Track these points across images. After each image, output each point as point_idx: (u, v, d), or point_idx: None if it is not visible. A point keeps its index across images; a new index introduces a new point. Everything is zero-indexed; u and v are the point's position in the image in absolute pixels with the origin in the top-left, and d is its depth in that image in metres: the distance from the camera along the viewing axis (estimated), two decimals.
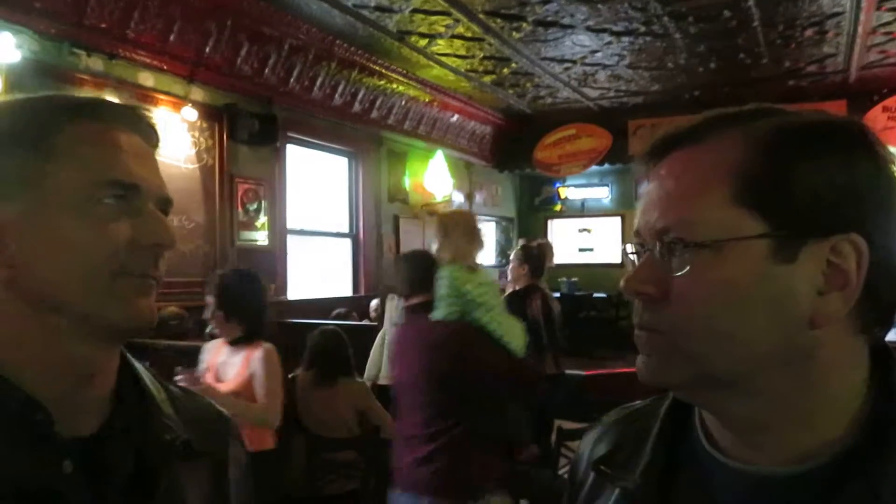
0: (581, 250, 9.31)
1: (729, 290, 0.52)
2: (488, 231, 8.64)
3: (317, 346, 3.36)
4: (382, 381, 4.09)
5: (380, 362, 4.20)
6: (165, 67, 4.23)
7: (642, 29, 4.96)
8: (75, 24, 3.66)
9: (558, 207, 9.49)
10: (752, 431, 0.55)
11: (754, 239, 0.52)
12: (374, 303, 4.87)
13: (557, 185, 9.30)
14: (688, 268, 0.53)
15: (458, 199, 7.68)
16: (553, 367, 4.05)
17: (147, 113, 0.71)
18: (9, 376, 0.62)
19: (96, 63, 3.84)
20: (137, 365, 0.74)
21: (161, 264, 0.68)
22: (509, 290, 4.40)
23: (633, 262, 0.61)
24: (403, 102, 6.39)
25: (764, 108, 0.57)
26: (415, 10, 4.57)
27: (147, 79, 4.15)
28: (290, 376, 3.23)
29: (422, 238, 6.99)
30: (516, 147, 8.18)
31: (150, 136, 0.70)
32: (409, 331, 2.47)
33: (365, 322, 4.94)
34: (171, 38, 4.15)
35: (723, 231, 0.52)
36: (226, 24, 4.37)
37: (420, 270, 2.47)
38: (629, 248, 0.61)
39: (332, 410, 3.25)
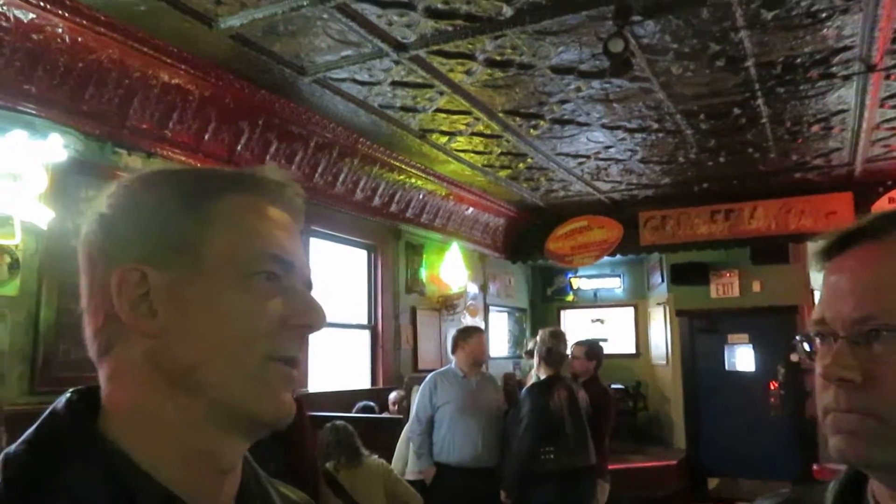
0: None
1: None
2: (501, 322, 8.64)
3: (332, 441, 3.38)
4: (409, 475, 4.02)
5: (406, 456, 4.14)
6: (199, 165, 4.39)
7: (655, 126, 5.15)
8: (118, 125, 3.83)
9: (571, 298, 9.53)
10: None
11: None
12: (394, 395, 4.83)
13: (569, 275, 9.37)
14: None
15: (473, 290, 7.73)
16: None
17: (301, 192, 0.69)
18: (145, 465, 0.57)
19: (136, 161, 3.99)
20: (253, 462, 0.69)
21: (305, 348, 0.65)
22: (532, 379, 4.39)
23: (806, 350, 0.64)
24: (421, 196, 6.55)
25: None
26: (438, 110, 4.78)
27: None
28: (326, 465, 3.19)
29: (439, 329, 7.00)
30: (529, 239, 8.31)
31: (299, 216, 0.68)
32: None
33: (386, 415, 4.89)
34: (206, 137, 4.33)
35: None
36: (257, 123, 4.57)
37: None
38: (805, 336, 0.64)
39: (361, 492, 3.20)
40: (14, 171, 3.17)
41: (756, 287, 7.90)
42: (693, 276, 8.04)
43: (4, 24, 3.17)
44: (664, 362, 8.60)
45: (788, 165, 6.24)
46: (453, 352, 4.26)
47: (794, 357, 7.58)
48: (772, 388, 7.73)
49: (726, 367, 8.16)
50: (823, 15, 3.49)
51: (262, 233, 0.62)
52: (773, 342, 7.82)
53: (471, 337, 4.28)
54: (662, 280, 8.54)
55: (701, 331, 8.28)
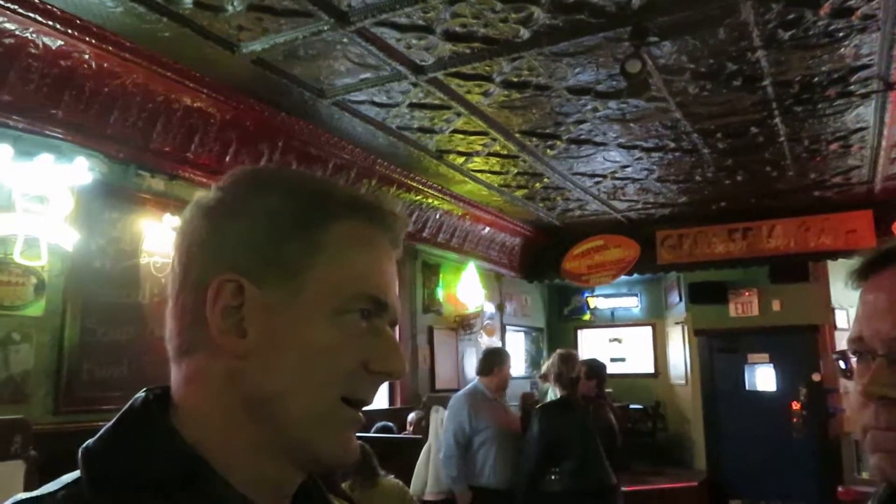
0: (613, 360, 9.21)
1: None
2: (518, 341, 8.62)
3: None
4: (428, 496, 4.00)
5: (425, 476, 4.12)
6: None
7: (672, 145, 5.16)
8: (142, 148, 3.89)
9: (588, 317, 9.48)
10: None
11: None
12: (413, 416, 4.82)
13: (586, 294, 9.34)
14: None
15: (490, 309, 7.73)
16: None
17: (407, 223, 0.67)
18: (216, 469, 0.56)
19: (158, 184, 4.05)
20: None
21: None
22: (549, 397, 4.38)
23: (842, 368, 0.64)
24: (438, 216, 6.58)
25: None
26: (455, 131, 4.82)
27: (204, 194, 4.35)
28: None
29: (455, 349, 6.99)
30: (545, 258, 8.30)
31: (399, 242, 0.67)
32: None
33: (405, 435, 4.87)
34: (227, 159, 4.38)
35: None
36: (277, 145, 4.62)
37: None
38: (841, 354, 0.65)
39: None
40: (41, 194, 3.23)
41: (776, 306, 7.82)
42: (711, 295, 7.98)
43: (33, 50, 3.25)
44: (683, 382, 8.52)
45: (807, 184, 6.21)
46: (486, 374, 4.22)
47: (816, 377, 7.49)
48: (794, 408, 7.62)
49: (746, 387, 8.06)
50: (841, 34, 3.50)
51: (366, 270, 0.60)
52: (795, 362, 7.73)
53: (506, 361, 4.29)
54: (680, 299, 8.48)
55: (720, 350, 8.20)
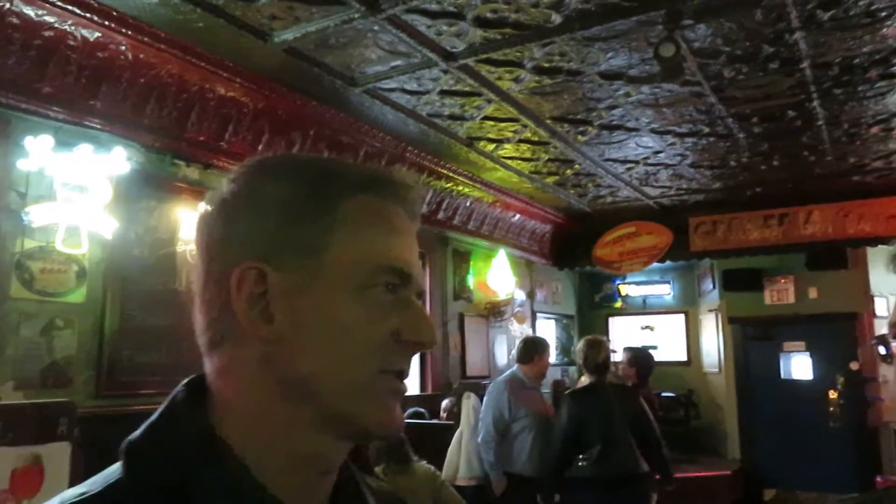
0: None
1: None
2: (548, 329, 8.59)
3: (381, 445, 3.39)
4: (460, 481, 4.03)
5: (457, 462, 4.15)
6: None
7: (706, 130, 5.08)
8: (177, 137, 3.96)
9: (619, 305, 9.41)
10: None
11: None
12: (447, 402, 4.85)
13: (617, 282, 9.26)
14: None
15: (520, 296, 7.72)
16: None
17: (423, 194, 0.67)
18: (249, 464, 0.57)
19: (193, 172, 4.11)
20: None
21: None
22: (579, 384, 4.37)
23: (882, 353, 0.64)
24: (468, 203, 6.58)
25: None
26: (485, 118, 4.80)
27: (220, 187, 4.40)
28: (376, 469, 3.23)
29: (486, 336, 7.00)
30: (576, 245, 8.25)
31: (415, 213, 0.66)
32: None
33: (436, 421, 4.91)
34: (260, 147, 4.43)
35: None
36: (309, 134, 4.66)
37: None
38: (880, 339, 0.64)
39: (408, 498, 3.23)
40: (81, 184, 3.31)
41: (812, 293, 7.68)
42: (746, 282, 7.86)
43: (72, 42, 3.31)
44: (716, 370, 8.42)
45: (846, 168, 6.06)
46: (526, 361, 4.24)
47: (854, 366, 7.35)
48: (831, 397, 7.49)
49: (781, 376, 7.95)
50: (883, 14, 3.40)
51: (385, 242, 0.60)
52: (832, 350, 7.59)
53: (546, 350, 4.31)
54: (714, 286, 8.37)
55: (755, 338, 8.09)
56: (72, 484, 2.28)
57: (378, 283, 0.59)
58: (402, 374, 0.62)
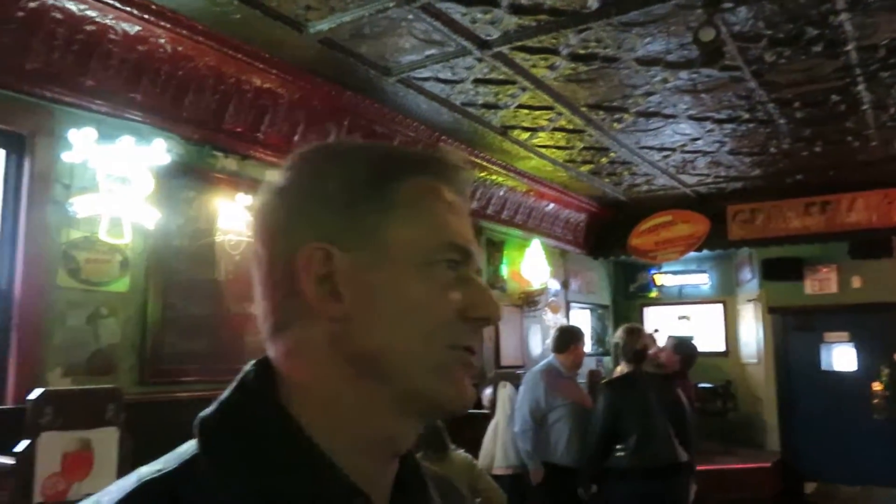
0: None
1: None
2: (583, 319, 8.54)
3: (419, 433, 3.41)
4: (497, 470, 4.04)
5: (493, 451, 4.16)
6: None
7: (746, 116, 4.97)
8: (215, 128, 4.01)
9: (654, 294, 9.30)
10: None
11: None
12: (488, 392, 4.83)
13: (653, 271, 9.15)
14: None
15: (554, 286, 7.68)
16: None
17: (473, 175, 0.68)
18: (323, 447, 0.57)
19: (231, 164, 4.17)
20: None
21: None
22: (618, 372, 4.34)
23: None
24: (502, 193, 6.55)
25: None
26: (520, 106, 4.77)
27: (273, 176, 4.45)
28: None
29: (520, 325, 6.99)
30: (610, 234, 8.18)
31: (468, 194, 0.67)
32: None
33: (472, 410, 4.92)
34: (296, 138, 4.47)
35: None
36: (343, 123, 4.68)
37: None
38: None
39: None
40: (123, 175, 3.37)
41: (856, 283, 7.49)
42: (786, 271, 7.70)
43: (113, 36, 3.38)
44: (755, 361, 8.29)
45: (892, 154, 5.89)
46: (561, 351, 4.23)
47: None
48: (874, 388, 7.31)
49: (823, 367, 7.78)
50: None
51: (445, 220, 0.62)
52: (876, 341, 7.39)
53: (581, 339, 4.30)
54: (753, 276, 8.23)
55: (795, 329, 7.93)
56: (120, 468, 2.35)
57: (440, 261, 0.60)
58: (471, 349, 0.62)
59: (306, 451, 0.57)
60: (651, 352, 4.19)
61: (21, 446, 2.23)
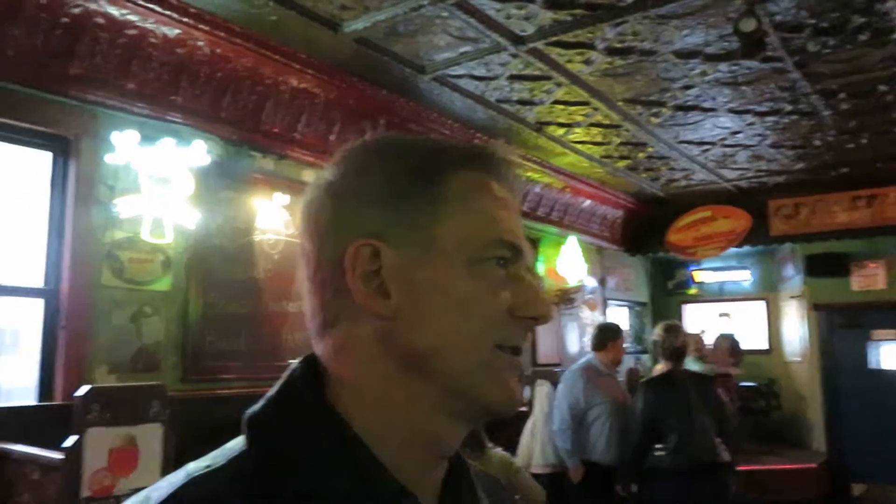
0: None
1: None
2: (620, 316, 8.45)
3: None
4: (535, 469, 4.02)
5: (531, 450, 4.14)
6: (325, 165, 4.57)
7: (788, 108, 4.85)
8: (253, 129, 4.06)
9: (693, 291, 9.15)
10: None
11: None
12: (526, 390, 4.81)
13: (692, 268, 9.00)
14: None
15: (591, 283, 7.60)
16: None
17: (518, 165, 0.66)
18: (371, 445, 0.57)
19: (268, 163, 4.21)
20: None
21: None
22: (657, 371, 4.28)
23: None
24: (537, 190, 6.51)
25: None
26: (555, 102, 4.73)
27: (310, 176, 4.50)
28: None
29: (557, 323, 6.94)
30: (648, 230, 8.07)
31: (517, 189, 0.66)
32: None
33: None
34: (332, 137, 4.50)
35: None
36: (379, 123, 4.70)
37: None
38: None
39: None
40: (164, 176, 3.44)
41: None
42: (831, 267, 7.49)
43: (153, 40, 3.44)
44: (799, 359, 8.09)
45: None
46: (600, 348, 4.19)
47: None
48: None
49: (870, 366, 7.56)
50: None
51: (494, 216, 0.60)
52: None
53: (620, 336, 4.25)
54: (796, 272, 8.03)
55: (841, 326, 7.71)
56: (164, 464, 2.40)
57: (490, 258, 0.59)
58: (518, 349, 0.61)
59: (353, 449, 0.56)
60: (698, 352, 4.14)
61: (69, 442, 2.29)
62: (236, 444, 0.58)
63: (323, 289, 0.61)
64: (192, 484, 0.54)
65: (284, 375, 0.61)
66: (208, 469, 0.56)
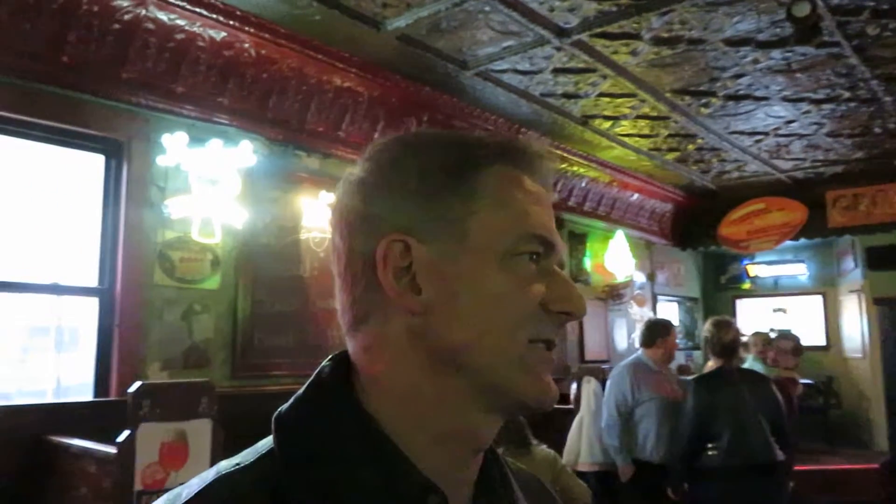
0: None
1: None
2: (671, 312, 8.28)
3: (501, 428, 3.37)
4: (582, 466, 3.97)
5: (577, 448, 4.09)
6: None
7: (846, 95, 4.67)
8: (298, 129, 4.11)
9: (747, 286, 8.92)
10: None
11: None
12: (573, 387, 4.74)
13: (745, 262, 8.78)
14: None
15: (640, 279, 7.47)
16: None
17: (552, 160, 0.65)
18: (401, 443, 0.56)
19: (313, 162, 4.26)
20: None
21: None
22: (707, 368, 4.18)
23: None
24: (584, 184, 6.43)
25: None
26: (600, 95, 4.65)
27: (352, 169, 4.52)
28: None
29: (605, 319, 6.85)
30: (699, 224, 7.89)
31: (550, 183, 0.65)
32: None
33: (558, 406, 4.85)
34: (376, 135, 4.52)
35: None
36: (422, 119, 4.70)
37: None
38: None
39: None
40: (213, 177, 3.50)
41: None
42: (893, 259, 7.20)
43: (200, 43, 3.51)
44: (860, 355, 7.80)
45: None
46: (650, 345, 4.10)
47: None
48: None
49: None
50: None
51: (527, 210, 0.59)
52: None
53: (670, 332, 4.15)
54: (856, 265, 7.74)
55: None
56: (213, 458, 2.44)
57: (523, 252, 0.58)
58: (551, 343, 0.60)
59: (379, 446, 0.56)
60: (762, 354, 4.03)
61: (122, 436, 2.35)
62: (266, 442, 0.58)
63: (354, 284, 0.60)
64: (220, 482, 0.55)
65: (313, 375, 0.61)
66: (237, 467, 0.56)
